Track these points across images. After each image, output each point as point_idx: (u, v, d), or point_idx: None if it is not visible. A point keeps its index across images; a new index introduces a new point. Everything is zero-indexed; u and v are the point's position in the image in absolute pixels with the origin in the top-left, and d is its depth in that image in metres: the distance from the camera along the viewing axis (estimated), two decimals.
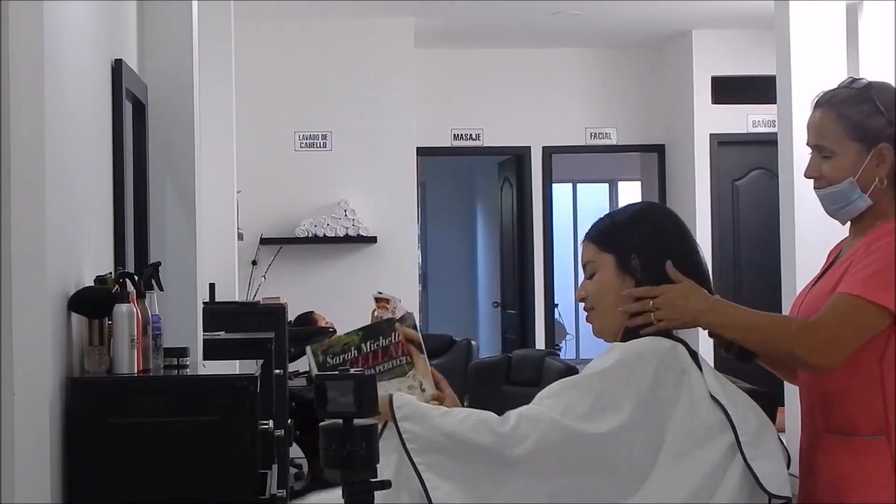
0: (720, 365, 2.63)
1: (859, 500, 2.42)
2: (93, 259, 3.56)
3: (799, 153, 5.50)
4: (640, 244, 2.51)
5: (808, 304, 2.57)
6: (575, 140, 10.10)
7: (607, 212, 2.68)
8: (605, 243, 2.54)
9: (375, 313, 8.12)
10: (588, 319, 2.59)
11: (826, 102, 2.54)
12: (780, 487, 2.33)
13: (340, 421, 2.39)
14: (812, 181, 2.58)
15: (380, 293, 8.24)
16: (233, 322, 5.71)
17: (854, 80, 2.57)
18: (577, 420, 2.33)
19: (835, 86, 2.59)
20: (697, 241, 2.62)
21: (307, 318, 8.18)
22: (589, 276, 2.56)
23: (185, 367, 3.48)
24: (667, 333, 2.47)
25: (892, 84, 2.57)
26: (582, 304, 2.59)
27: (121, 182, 3.99)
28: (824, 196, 2.56)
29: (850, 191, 2.50)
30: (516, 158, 10.18)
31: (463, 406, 2.62)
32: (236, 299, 7.34)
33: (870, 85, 2.53)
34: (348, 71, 9.07)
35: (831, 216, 2.61)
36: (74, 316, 3.22)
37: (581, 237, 2.65)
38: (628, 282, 2.50)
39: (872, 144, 2.48)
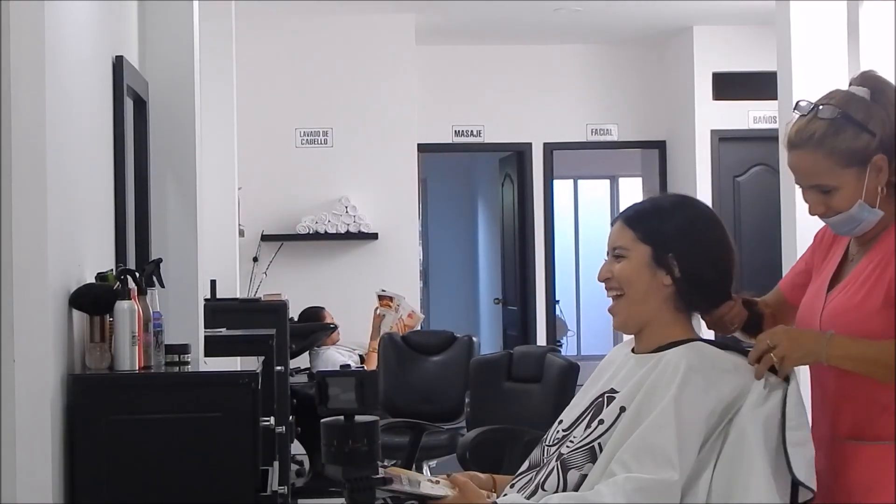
0: None
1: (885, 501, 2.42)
2: (94, 256, 3.56)
3: None
4: (679, 244, 2.49)
5: (832, 315, 2.54)
6: (576, 136, 10.09)
7: (648, 197, 2.66)
8: (643, 233, 2.50)
9: (378, 311, 8.15)
10: (613, 309, 2.54)
11: (807, 142, 2.51)
12: (809, 479, 2.34)
13: (342, 417, 2.39)
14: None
15: (383, 291, 8.27)
16: (234, 319, 5.71)
17: (819, 108, 2.51)
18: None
19: (795, 118, 2.55)
20: None
21: (316, 314, 8.18)
22: (615, 258, 2.52)
23: (187, 363, 3.48)
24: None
25: (865, 87, 2.53)
26: (605, 286, 2.54)
27: (122, 179, 3.99)
28: (836, 222, 2.55)
29: (861, 211, 2.50)
30: (517, 155, 10.18)
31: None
32: (237, 296, 7.34)
33: (841, 111, 2.49)
34: (349, 67, 9.07)
35: (841, 235, 2.62)
36: (76, 313, 3.22)
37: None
38: (660, 276, 2.48)
39: (866, 162, 2.48)
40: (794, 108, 2.56)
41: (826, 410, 2.56)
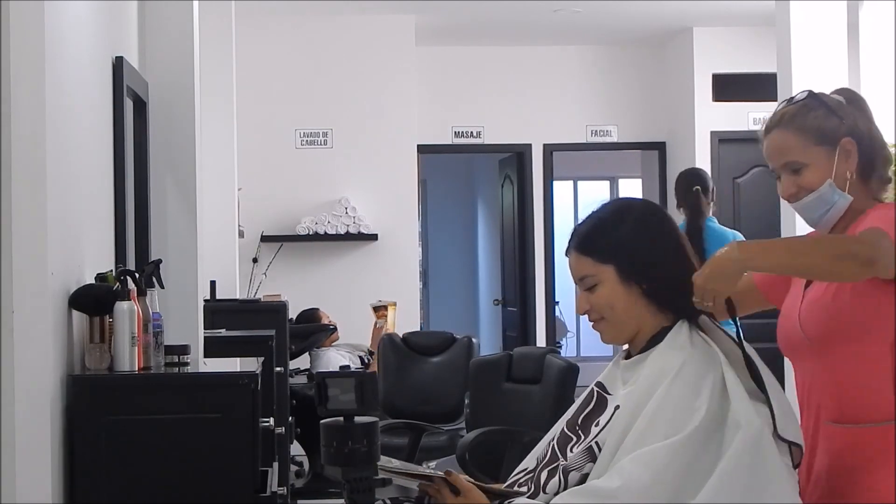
0: None
1: (876, 486, 2.43)
2: (94, 256, 3.56)
3: None
4: (638, 250, 2.46)
5: (808, 310, 2.57)
6: (576, 137, 10.10)
7: (585, 218, 2.58)
8: (600, 254, 2.47)
9: (377, 324, 8.15)
10: (597, 328, 2.53)
11: (779, 122, 2.62)
12: (796, 436, 2.35)
13: (341, 418, 2.39)
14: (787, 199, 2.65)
15: (379, 301, 8.27)
16: (234, 319, 5.71)
17: (792, 98, 2.65)
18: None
19: (777, 108, 2.67)
20: None
21: (312, 316, 8.18)
22: (587, 289, 2.50)
23: (186, 364, 3.48)
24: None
25: (840, 95, 2.65)
26: (587, 317, 2.53)
27: (122, 179, 3.99)
28: (806, 205, 2.60)
29: (831, 192, 2.57)
30: (517, 156, 10.18)
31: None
32: (237, 297, 7.34)
33: (812, 93, 2.63)
34: (349, 68, 9.07)
35: (815, 225, 2.64)
36: (75, 313, 3.22)
37: None
38: (634, 287, 2.45)
39: (835, 143, 2.57)
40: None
41: (812, 395, 2.58)
